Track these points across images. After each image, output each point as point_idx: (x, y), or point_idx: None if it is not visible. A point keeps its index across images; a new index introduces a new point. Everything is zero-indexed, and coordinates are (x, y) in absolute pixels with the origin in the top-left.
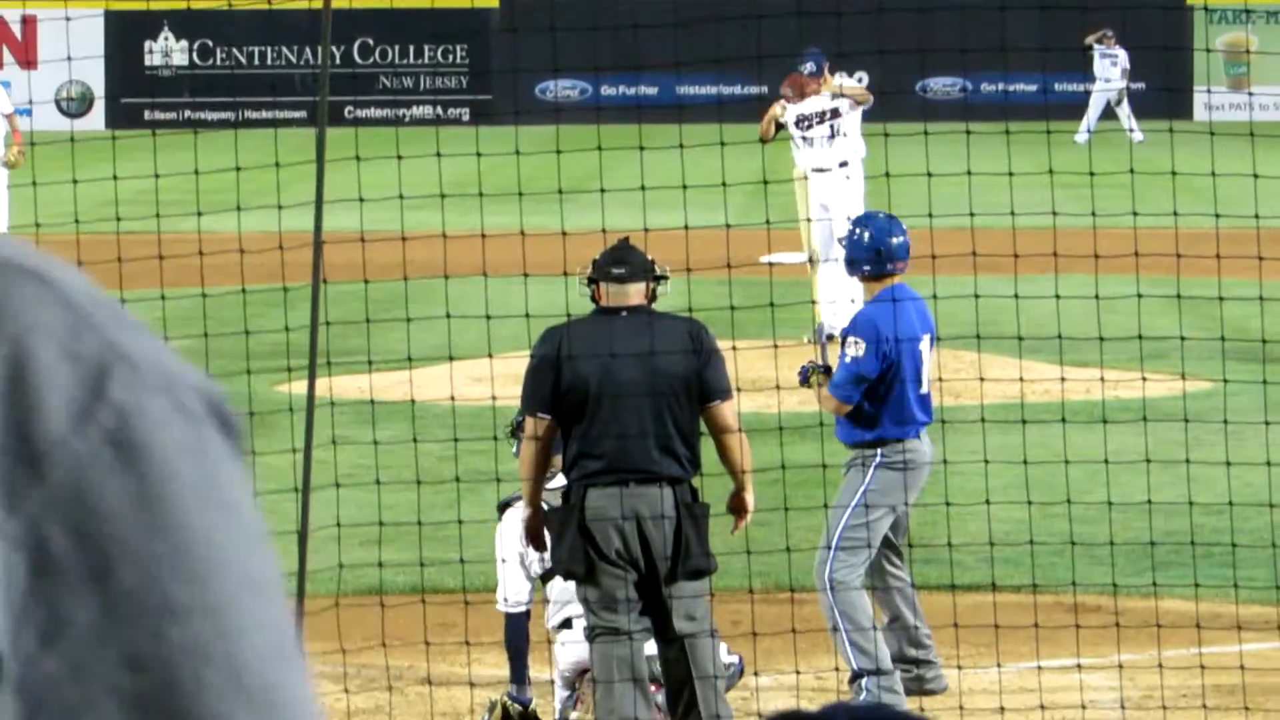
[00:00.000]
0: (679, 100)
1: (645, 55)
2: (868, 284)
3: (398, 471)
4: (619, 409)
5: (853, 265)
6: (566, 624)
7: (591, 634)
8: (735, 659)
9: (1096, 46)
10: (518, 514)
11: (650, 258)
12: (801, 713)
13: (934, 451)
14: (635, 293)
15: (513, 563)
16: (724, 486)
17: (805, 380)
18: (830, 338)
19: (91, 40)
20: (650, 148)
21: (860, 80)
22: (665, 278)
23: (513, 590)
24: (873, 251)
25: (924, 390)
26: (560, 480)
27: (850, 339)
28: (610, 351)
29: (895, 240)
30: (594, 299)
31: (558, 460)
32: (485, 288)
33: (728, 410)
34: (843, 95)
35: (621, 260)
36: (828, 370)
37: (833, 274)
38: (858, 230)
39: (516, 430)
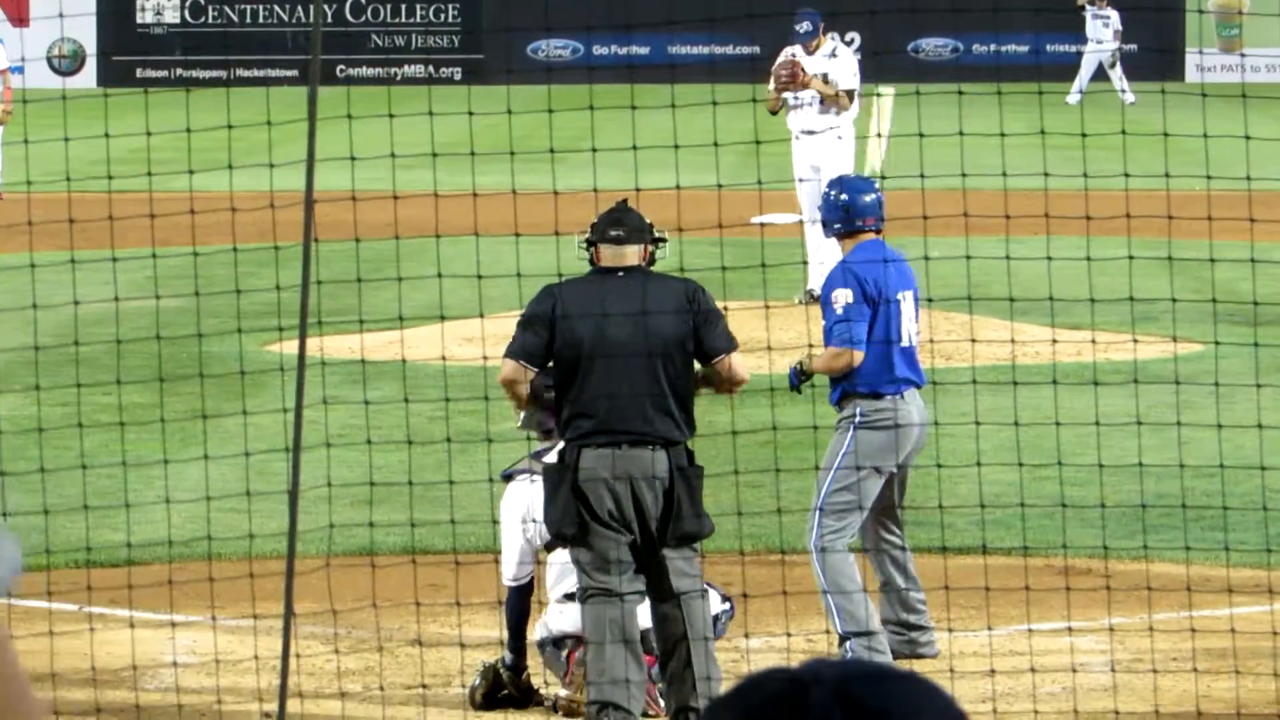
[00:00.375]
0: (671, 60)
1: (637, 14)
2: (842, 242)
3: (388, 432)
4: (612, 369)
5: (826, 226)
6: (570, 597)
7: (584, 595)
8: (728, 606)
9: (1089, 8)
10: (520, 486)
11: (648, 220)
12: (782, 669)
13: (925, 412)
14: (633, 255)
15: (515, 535)
16: (715, 447)
17: (796, 384)
18: (815, 297)
19: None
20: (642, 107)
21: (852, 43)
22: (663, 240)
23: (515, 563)
24: (841, 209)
25: (906, 344)
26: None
27: (834, 294)
28: (604, 311)
29: (866, 198)
30: (592, 261)
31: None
32: (477, 247)
33: (734, 362)
34: (821, 89)
35: (619, 222)
36: (811, 356)
37: (821, 235)
38: (831, 191)
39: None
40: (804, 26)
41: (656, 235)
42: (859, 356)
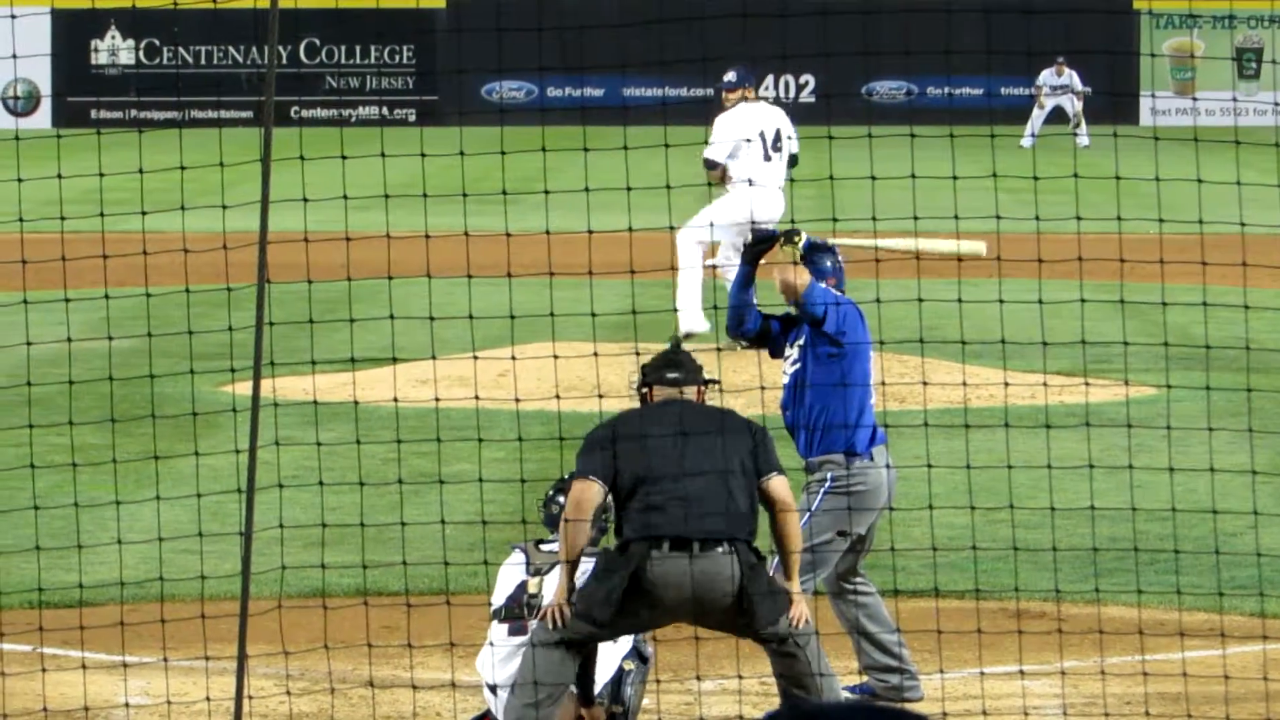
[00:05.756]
0: (624, 102)
1: (591, 56)
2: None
3: (341, 473)
4: (681, 471)
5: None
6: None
7: (555, 634)
8: (648, 651)
9: (1048, 79)
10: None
11: (699, 363)
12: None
13: (890, 473)
14: (689, 396)
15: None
16: None
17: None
18: (688, 335)
19: (38, 38)
20: (594, 149)
21: (807, 84)
22: (716, 382)
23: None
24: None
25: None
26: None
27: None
28: (672, 424)
29: (825, 262)
30: (644, 402)
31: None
32: (429, 289)
33: (783, 483)
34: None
35: (677, 365)
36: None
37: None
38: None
39: (548, 503)
40: (729, 76)
41: (708, 378)
42: (805, 280)
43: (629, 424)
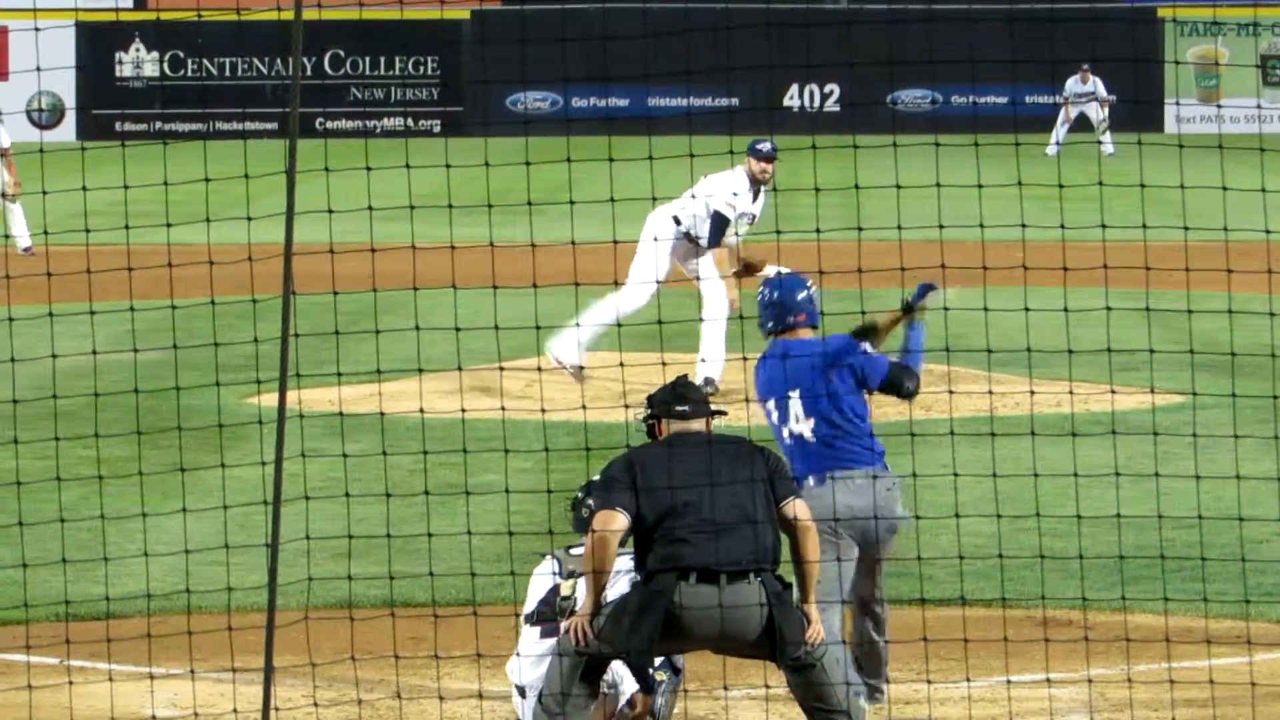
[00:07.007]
0: (649, 112)
1: (615, 66)
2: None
3: (368, 484)
4: (706, 503)
5: (760, 326)
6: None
7: (574, 650)
8: (675, 671)
9: (1074, 87)
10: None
11: (704, 394)
12: None
13: (882, 497)
14: (697, 428)
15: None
16: None
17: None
18: (714, 388)
19: (63, 51)
20: (619, 160)
21: (831, 93)
22: (723, 413)
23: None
24: (774, 307)
25: (789, 440)
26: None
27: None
28: (691, 460)
29: (799, 295)
30: (652, 435)
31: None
32: (455, 300)
33: (801, 505)
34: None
35: (685, 398)
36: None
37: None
38: (765, 290)
39: (577, 505)
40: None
41: (715, 409)
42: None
43: (647, 458)
